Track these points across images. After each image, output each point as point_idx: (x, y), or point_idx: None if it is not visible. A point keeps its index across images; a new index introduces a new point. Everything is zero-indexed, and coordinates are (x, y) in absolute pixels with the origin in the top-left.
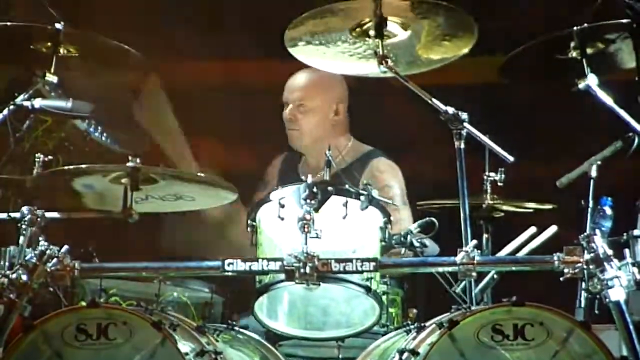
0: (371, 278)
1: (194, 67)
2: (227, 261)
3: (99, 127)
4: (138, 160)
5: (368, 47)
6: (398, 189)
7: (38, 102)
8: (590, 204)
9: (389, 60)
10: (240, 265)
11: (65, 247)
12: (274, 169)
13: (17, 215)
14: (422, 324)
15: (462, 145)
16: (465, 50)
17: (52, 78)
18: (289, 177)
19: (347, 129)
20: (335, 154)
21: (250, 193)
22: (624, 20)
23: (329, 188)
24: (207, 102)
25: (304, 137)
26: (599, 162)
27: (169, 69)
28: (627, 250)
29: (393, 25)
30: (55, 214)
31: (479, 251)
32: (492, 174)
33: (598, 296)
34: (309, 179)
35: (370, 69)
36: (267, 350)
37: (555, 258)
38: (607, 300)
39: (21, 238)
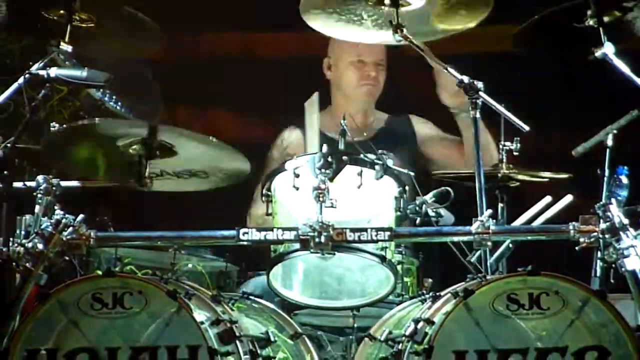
0: (386, 247)
1: (210, 38)
2: (242, 230)
3: (114, 97)
4: None
5: (382, 15)
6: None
7: (53, 71)
8: (606, 173)
9: (404, 29)
10: (255, 235)
11: (81, 216)
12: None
13: (32, 184)
14: (437, 293)
15: (478, 115)
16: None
17: (66, 47)
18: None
19: None
20: (366, 124)
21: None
22: None
23: (344, 157)
24: (223, 73)
25: (379, 92)
26: (615, 131)
27: (185, 40)
28: None
29: None
30: (70, 183)
31: (494, 220)
32: (507, 143)
33: (614, 265)
34: (325, 149)
35: (385, 37)
36: (282, 319)
37: (571, 227)
38: (623, 269)
39: (37, 207)
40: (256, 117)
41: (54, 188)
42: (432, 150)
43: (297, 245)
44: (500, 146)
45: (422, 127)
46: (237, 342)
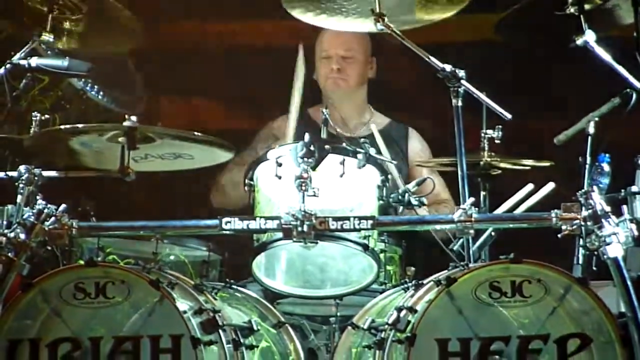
0: (369, 236)
1: (192, 27)
2: (224, 219)
3: (96, 86)
4: (135, 119)
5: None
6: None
7: (35, 61)
8: (588, 161)
9: (386, 18)
10: (237, 224)
11: (63, 205)
12: (271, 131)
13: (14, 174)
14: (420, 282)
15: (460, 103)
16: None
17: (48, 36)
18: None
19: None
20: (363, 122)
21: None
22: None
23: (326, 146)
24: (206, 63)
25: (350, 85)
26: (596, 119)
27: (167, 30)
28: (624, 207)
29: None
30: (52, 173)
31: (477, 209)
32: (489, 131)
33: (596, 253)
34: (307, 137)
35: (366, 26)
36: (265, 308)
37: (553, 215)
38: (605, 256)
39: (19, 197)
40: (240, 107)
41: (35, 178)
42: (416, 174)
43: (279, 235)
44: (482, 134)
45: (416, 147)
46: (220, 331)
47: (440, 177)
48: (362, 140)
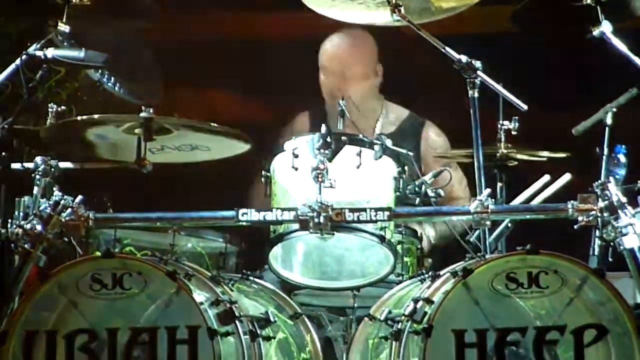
0: (385, 227)
1: (209, 18)
2: (241, 211)
3: (112, 77)
4: (151, 111)
5: None
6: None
7: (51, 52)
8: (605, 152)
9: (402, 9)
10: (254, 215)
11: (80, 197)
12: (303, 118)
13: (31, 165)
14: (437, 273)
15: (476, 94)
16: None
17: (64, 27)
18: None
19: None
20: (374, 117)
21: (265, 143)
22: None
23: (343, 137)
24: (223, 54)
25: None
26: (614, 110)
27: (185, 20)
28: None
29: None
30: (69, 164)
31: (493, 200)
32: (506, 122)
33: (612, 244)
34: (323, 129)
35: (381, 17)
36: (282, 299)
37: (570, 206)
38: (621, 247)
39: (35, 188)
40: (257, 100)
41: (52, 169)
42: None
43: (296, 226)
44: (499, 126)
45: (431, 140)
46: (237, 322)
47: (460, 171)
48: (379, 132)
